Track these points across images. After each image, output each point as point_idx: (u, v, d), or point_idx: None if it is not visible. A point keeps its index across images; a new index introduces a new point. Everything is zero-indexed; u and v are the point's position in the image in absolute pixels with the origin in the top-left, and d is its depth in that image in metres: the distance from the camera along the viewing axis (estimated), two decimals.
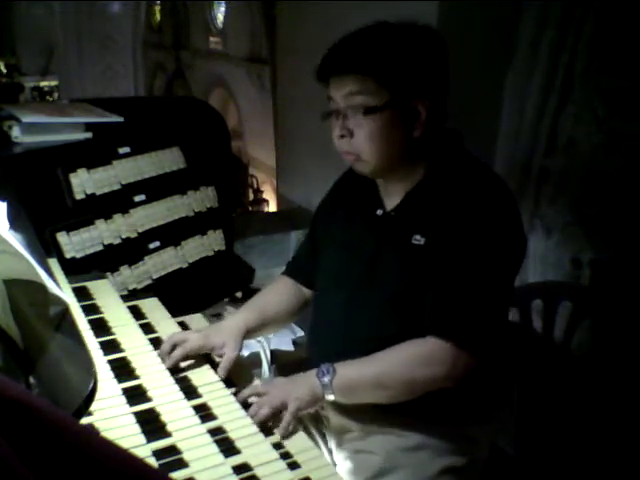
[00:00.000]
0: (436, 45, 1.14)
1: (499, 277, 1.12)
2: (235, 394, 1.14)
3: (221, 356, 1.21)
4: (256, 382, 1.22)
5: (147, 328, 1.31)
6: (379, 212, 1.22)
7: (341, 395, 1.12)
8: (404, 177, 1.18)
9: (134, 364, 1.15)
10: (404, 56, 1.10)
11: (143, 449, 0.93)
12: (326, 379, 1.10)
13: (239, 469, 0.93)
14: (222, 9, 10.23)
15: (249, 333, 1.28)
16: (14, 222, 1.17)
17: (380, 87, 1.09)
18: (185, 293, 1.83)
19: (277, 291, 1.40)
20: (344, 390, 1.12)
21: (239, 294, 2.82)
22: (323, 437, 1.29)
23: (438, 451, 1.19)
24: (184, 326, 1.40)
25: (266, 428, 1.05)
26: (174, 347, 1.20)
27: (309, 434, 1.19)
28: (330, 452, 1.28)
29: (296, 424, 1.08)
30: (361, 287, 1.20)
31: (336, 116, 1.15)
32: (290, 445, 1.03)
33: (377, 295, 1.17)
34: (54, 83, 10.82)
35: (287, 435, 1.04)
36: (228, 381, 1.18)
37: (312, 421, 1.30)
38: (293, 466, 0.98)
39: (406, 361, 1.11)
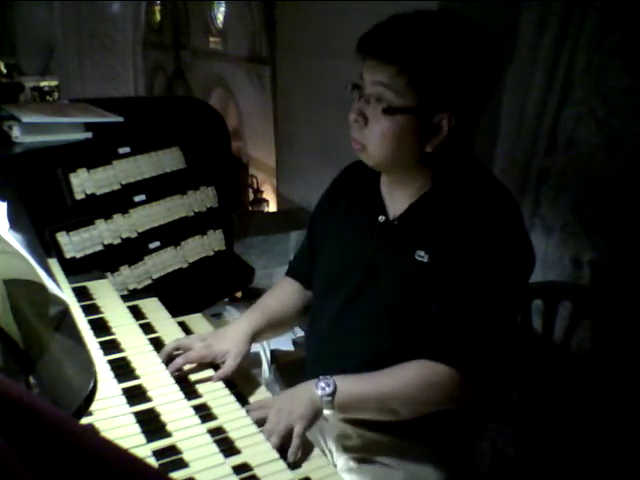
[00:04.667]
0: (492, 65, 1.05)
1: (509, 302, 1.09)
2: (236, 394, 1.14)
3: (224, 362, 1.19)
4: (263, 394, 1.19)
5: (147, 328, 1.31)
6: (381, 218, 1.17)
7: (341, 411, 1.09)
8: (410, 182, 1.13)
9: (134, 364, 1.15)
10: (452, 71, 1.00)
11: (143, 449, 0.93)
12: (326, 394, 1.06)
13: (239, 469, 0.93)
14: (222, 9, 10.23)
15: (256, 336, 1.26)
16: (14, 222, 1.17)
17: (411, 90, 1.01)
18: (185, 293, 1.83)
19: (281, 292, 1.37)
20: (344, 406, 1.08)
21: (239, 294, 2.83)
22: (323, 439, 1.28)
23: (438, 461, 1.18)
24: (184, 326, 1.40)
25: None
26: (177, 349, 1.20)
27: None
28: (331, 453, 1.27)
29: (308, 443, 1.05)
30: (357, 294, 1.17)
31: (358, 97, 1.07)
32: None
33: (372, 305, 1.14)
34: (54, 83, 10.82)
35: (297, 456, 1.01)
36: (228, 381, 1.18)
37: None
38: (293, 466, 0.98)
39: (412, 383, 1.07)
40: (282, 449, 1.00)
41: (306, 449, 1.03)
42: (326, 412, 1.08)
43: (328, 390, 1.06)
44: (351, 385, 1.08)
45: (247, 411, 1.08)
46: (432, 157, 1.09)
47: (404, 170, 1.12)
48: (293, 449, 1.00)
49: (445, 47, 1.01)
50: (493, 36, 1.05)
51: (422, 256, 1.09)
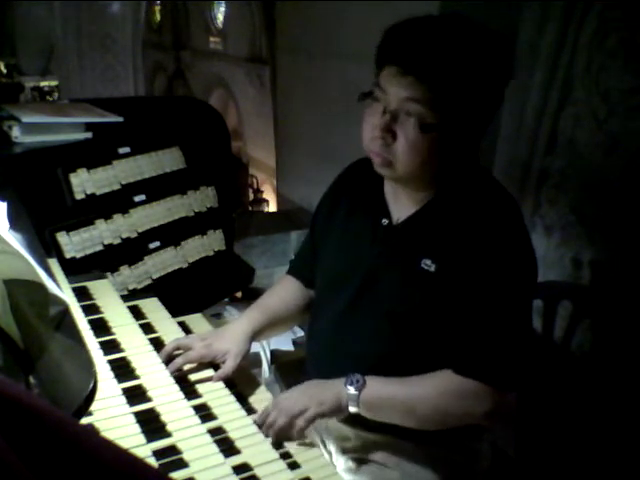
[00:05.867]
0: (508, 73, 1.06)
1: (523, 309, 1.08)
2: (236, 394, 1.14)
3: (224, 362, 1.19)
4: (263, 394, 1.20)
5: (147, 328, 1.31)
6: (384, 221, 1.15)
7: (366, 410, 1.08)
8: (417, 188, 1.11)
9: (134, 364, 1.15)
10: (483, 86, 1.01)
11: (143, 449, 0.93)
12: (353, 389, 1.06)
13: (239, 469, 0.93)
14: (222, 9, 10.24)
15: (256, 335, 1.26)
16: (14, 222, 1.17)
17: (442, 105, 0.99)
18: (185, 293, 1.83)
19: (282, 290, 1.37)
20: (371, 405, 1.07)
21: (239, 294, 2.83)
22: (322, 440, 1.28)
23: (436, 462, 1.17)
24: (184, 326, 1.40)
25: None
26: (177, 348, 1.20)
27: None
28: (330, 454, 1.26)
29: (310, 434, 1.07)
30: (358, 297, 1.16)
31: (382, 112, 1.03)
32: (290, 445, 1.03)
33: (373, 309, 1.13)
34: (54, 83, 10.80)
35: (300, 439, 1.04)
36: (228, 381, 1.18)
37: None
38: (293, 466, 0.98)
39: (444, 393, 1.06)
40: (280, 440, 1.03)
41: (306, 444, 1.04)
42: (352, 409, 1.08)
43: (356, 385, 1.07)
44: (380, 385, 1.08)
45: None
46: (452, 167, 1.08)
47: (420, 181, 1.10)
48: (298, 428, 1.03)
49: (476, 62, 0.99)
50: (509, 43, 1.04)
51: (429, 265, 1.07)
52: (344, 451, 1.23)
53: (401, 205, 1.15)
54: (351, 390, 1.06)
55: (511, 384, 1.06)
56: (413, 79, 0.98)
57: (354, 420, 1.17)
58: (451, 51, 0.98)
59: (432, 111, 0.99)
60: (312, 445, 1.06)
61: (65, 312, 0.93)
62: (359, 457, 1.21)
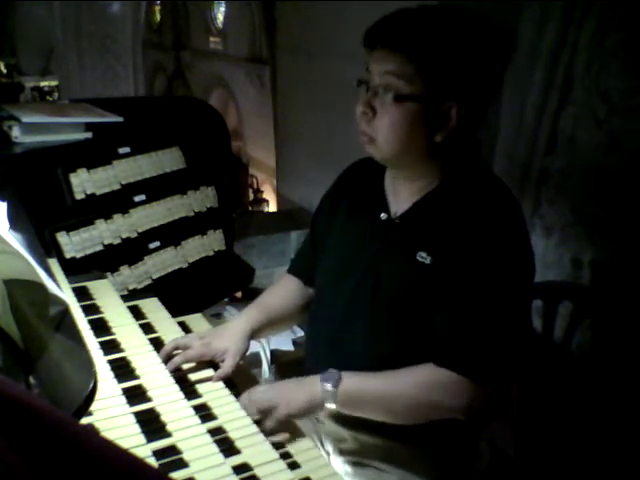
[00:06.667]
0: (497, 55, 1.06)
1: (514, 305, 1.07)
2: (236, 394, 1.14)
3: (223, 361, 1.19)
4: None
5: (147, 328, 1.31)
6: (383, 216, 1.15)
7: (343, 406, 1.08)
8: (415, 179, 1.12)
9: (134, 364, 1.15)
10: (459, 59, 1.01)
11: (143, 449, 0.93)
12: (330, 386, 1.06)
13: (239, 469, 0.93)
14: (222, 9, 10.24)
15: (255, 333, 1.26)
16: (14, 222, 1.17)
17: (419, 78, 1.01)
18: (185, 293, 1.83)
19: (282, 289, 1.37)
20: (347, 401, 1.08)
21: (239, 294, 2.83)
22: (320, 440, 1.28)
23: (433, 465, 1.17)
24: (184, 326, 1.40)
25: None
26: (176, 348, 1.20)
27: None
28: (328, 455, 1.26)
29: (295, 427, 1.07)
30: (359, 294, 1.15)
31: (366, 89, 1.07)
32: (290, 445, 1.03)
33: (373, 306, 1.13)
34: (54, 83, 10.81)
35: (274, 434, 1.04)
36: (228, 381, 1.18)
37: (309, 424, 1.27)
38: (293, 466, 0.98)
39: (419, 385, 1.06)
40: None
41: (293, 434, 1.05)
42: (328, 406, 1.07)
43: (332, 381, 1.06)
44: (356, 380, 1.08)
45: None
46: (440, 151, 1.08)
47: (412, 164, 1.11)
48: (265, 427, 1.04)
49: (451, 35, 1.02)
50: (497, 27, 1.06)
51: (424, 257, 1.08)
52: (341, 452, 1.23)
53: (400, 199, 1.15)
54: (327, 386, 1.06)
55: (490, 379, 1.06)
56: (388, 51, 1.02)
57: (350, 422, 1.17)
58: (424, 23, 1.02)
59: (408, 83, 1.01)
60: (300, 436, 1.06)
61: (65, 312, 0.92)
62: (356, 460, 1.21)
